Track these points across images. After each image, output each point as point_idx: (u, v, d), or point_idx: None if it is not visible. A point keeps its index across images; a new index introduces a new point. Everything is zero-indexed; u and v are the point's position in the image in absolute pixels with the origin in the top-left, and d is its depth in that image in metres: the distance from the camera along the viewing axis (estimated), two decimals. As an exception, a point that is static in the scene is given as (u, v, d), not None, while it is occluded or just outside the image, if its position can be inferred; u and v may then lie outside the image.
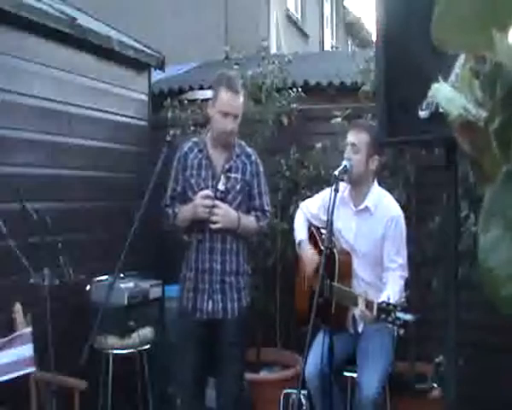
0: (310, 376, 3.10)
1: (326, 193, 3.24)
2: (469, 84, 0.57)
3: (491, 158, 0.55)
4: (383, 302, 2.76)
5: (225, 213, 2.90)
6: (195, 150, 3.02)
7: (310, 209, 3.44)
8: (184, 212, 2.96)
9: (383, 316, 2.74)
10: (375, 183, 3.25)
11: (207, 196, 2.89)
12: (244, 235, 3.04)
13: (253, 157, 3.08)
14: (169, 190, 3.04)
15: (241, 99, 2.93)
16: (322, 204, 3.32)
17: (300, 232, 3.39)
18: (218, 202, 2.90)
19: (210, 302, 2.95)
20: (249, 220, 3.02)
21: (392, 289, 2.95)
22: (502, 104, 0.53)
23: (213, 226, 2.89)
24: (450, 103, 0.60)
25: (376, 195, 3.19)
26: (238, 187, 2.99)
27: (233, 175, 2.99)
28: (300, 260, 3.36)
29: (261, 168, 3.10)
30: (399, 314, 2.71)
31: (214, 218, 2.88)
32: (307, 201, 3.56)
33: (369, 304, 2.81)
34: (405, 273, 3.11)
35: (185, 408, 3.07)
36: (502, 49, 0.49)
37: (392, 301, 2.78)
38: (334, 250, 3.14)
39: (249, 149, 3.12)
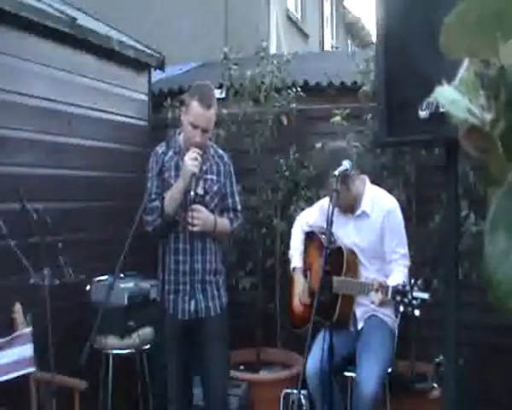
0: (310, 375, 3.11)
1: (324, 202, 3.25)
2: (473, 88, 0.57)
3: (497, 162, 0.55)
4: (398, 285, 2.77)
5: (204, 217, 2.92)
6: (170, 152, 3.01)
7: (307, 220, 3.45)
8: (174, 188, 2.89)
9: (398, 298, 2.74)
10: (367, 183, 3.23)
11: (194, 152, 2.86)
12: (219, 237, 3.07)
13: (225, 158, 3.11)
14: (146, 194, 2.95)
15: (213, 113, 2.92)
16: (320, 212, 3.34)
17: (295, 257, 3.42)
18: (197, 206, 2.90)
19: (192, 303, 2.96)
20: (224, 223, 3.05)
21: (396, 277, 2.97)
22: (506, 109, 0.53)
23: (193, 229, 2.89)
24: (455, 106, 0.59)
25: (370, 196, 3.18)
26: (215, 188, 3.02)
27: (209, 177, 3.01)
28: (293, 284, 3.39)
29: (232, 169, 3.13)
30: (416, 294, 2.70)
31: (195, 221, 2.89)
32: (305, 211, 3.58)
33: (383, 288, 2.82)
34: (408, 262, 3.13)
35: (174, 409, 3.08)
36: (505, 53, 0.49)
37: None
38: (342, 247, 3.16)
39: (221, 151, 3.15)
